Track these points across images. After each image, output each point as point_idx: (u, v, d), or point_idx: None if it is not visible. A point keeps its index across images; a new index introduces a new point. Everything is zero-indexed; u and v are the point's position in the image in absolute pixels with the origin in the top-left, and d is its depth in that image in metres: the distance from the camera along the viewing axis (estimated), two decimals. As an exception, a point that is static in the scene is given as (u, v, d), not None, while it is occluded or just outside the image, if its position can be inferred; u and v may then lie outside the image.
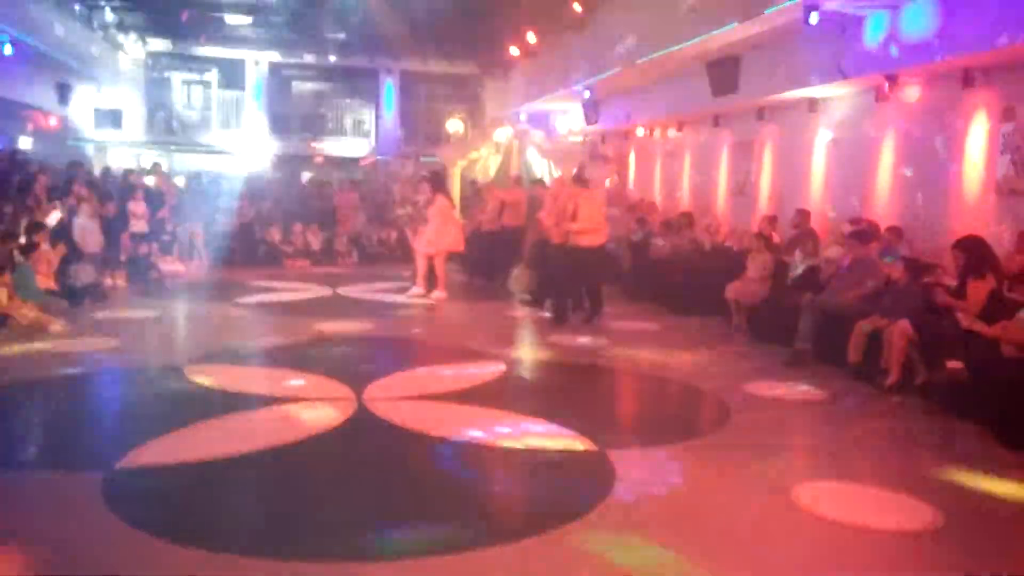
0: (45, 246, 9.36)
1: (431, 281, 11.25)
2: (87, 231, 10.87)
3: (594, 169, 14.43)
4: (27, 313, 7.99)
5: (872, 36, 8.57)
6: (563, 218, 9.46)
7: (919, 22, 7.90)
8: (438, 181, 11.88)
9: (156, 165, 17.29)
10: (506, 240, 12.26)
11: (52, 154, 16.83)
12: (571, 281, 9.63)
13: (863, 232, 8.15)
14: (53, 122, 17.14)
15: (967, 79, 8.03)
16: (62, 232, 10.53)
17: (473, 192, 16.05)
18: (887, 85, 8.80)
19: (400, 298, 11.25)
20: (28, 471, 4.59)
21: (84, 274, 9.84)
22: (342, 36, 17.66)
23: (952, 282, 6.81)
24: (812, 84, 9.72)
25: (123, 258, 12.01)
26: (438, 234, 11.07)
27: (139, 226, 12.68)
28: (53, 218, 10.89)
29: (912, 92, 8.90)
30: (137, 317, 9.45)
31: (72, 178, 12.91)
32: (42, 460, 4.84)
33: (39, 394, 6.22)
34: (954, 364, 5.69)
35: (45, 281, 9.02)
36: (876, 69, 8.66)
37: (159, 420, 5.36)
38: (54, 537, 3.66)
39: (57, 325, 8.14)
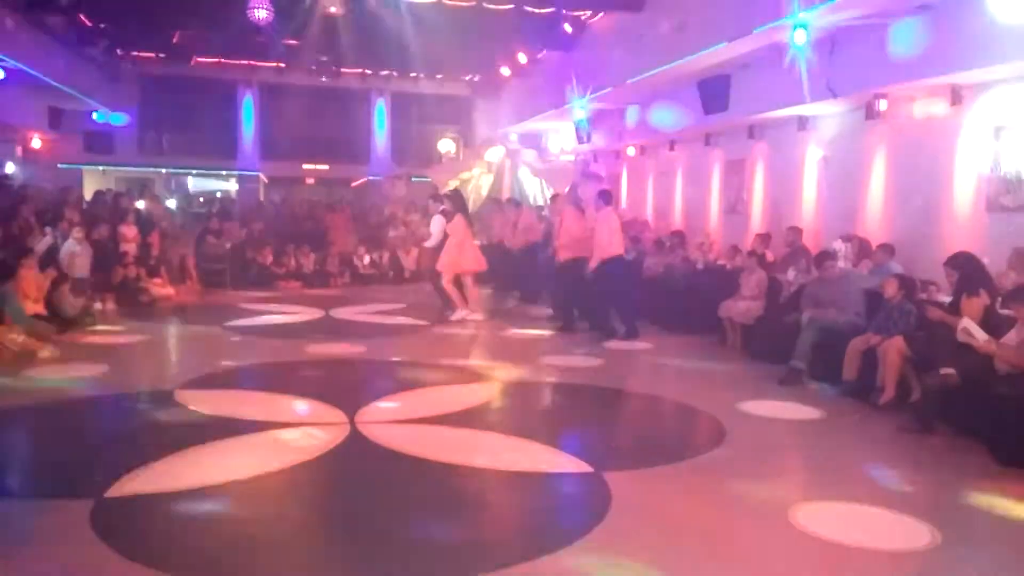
0: (34, 271, 9.28)
1: (456, 301, 11.04)
2: (76, 255, 10.81)
3: (586, 188, 14.45)
4: (15, 338, 7.91)
5: (861, 55, 8.63)
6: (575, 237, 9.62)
7: (907, 41, 7.97)
8: (458, 200, 11.56)
9: (147, 188, 17.25)
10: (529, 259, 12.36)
11: (43, 178, 16.79)
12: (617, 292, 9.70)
13: (826, 253, 8.22)
14: (42, 145, 17.09)
15: (956, 97, 8.10)
16: (52, 256, 10.47)
17: (494, 209, 15.68)
18: (876, 103, 8.87)
19: (392, 320, 11.20)
20: (16, 499, 4.51)
21: (69, 305, 9.72)
22: (334, 57, 17.72)
23: (945, 299, 6.82)
24: (802, 102, 9.79)
25: (113, 282, 11.93)
26: (459, 253, 10.88)
27: (130, 249, 12.63)
28: (45, 243, 10.83)
29: (901, 110, 8.95)
30: (127, 341, 9.37)
31: (63, 202, 12.87)
32: (30, 488, 4.77)
33: (27, 420, 6.15)
34: (947, 370, 5.68)
35: (34, 307, 8.94)
36: (865, 87, 8.72)
37: (149, 447, 5.28)
38: (43, 566, 3.60)
39: (46, 351, 8.06)
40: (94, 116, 17.35)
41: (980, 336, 5.68)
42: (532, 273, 12.65)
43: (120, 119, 17.88)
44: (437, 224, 11.17)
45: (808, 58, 8.93)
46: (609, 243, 9.58)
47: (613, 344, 9.44)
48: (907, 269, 8.08)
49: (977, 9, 7.05)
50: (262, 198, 21.39)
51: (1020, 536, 4.28)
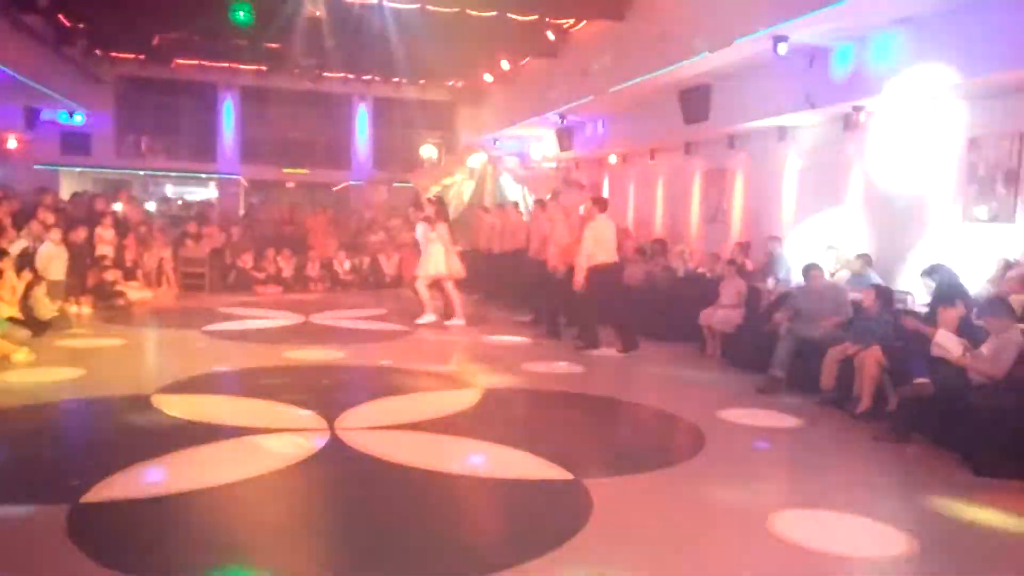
0: (9, 274, 9.15)
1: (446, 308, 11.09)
2: (51, 258, 10.66)
3: (568, 195, 14.48)
4: (-11, 342, 7.79)
5: (839, 67, 8.73)
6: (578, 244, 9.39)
7: (884, 54, 8.08)
8: (442, 207, 11.69)
9: (124, 191, 17.07)
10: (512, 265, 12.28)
11: (18, 179, 16.58)
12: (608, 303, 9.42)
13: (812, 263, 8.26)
14: (18, 146, 16.87)
15: (932, 108, 8.21)
16: (28, 259, 10.32)
17: (478, 215, 15.62)
18: (854, 114, 8.97)
19: (372, 325, 11.15)
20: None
21: (45, 308, 9.57)
22: (316, 61, 17.67)
23: (922, 309, 6.90)
24: (781, 113, 9.89)
25: (89, 285, 11.78)
26: (444, 261, 10.95)
27: (106, 252, 12.49)
28: (18, 246, 10.67)
29: (879, 121, 9.07)
30: (103, 345, 9.26)
31: (39, 204, 12.69)
32: (4, 493, 4.68)
33: (1, 425, 6.05)
34: (921, 380, 5.75)
35: (9, 309, 8.81)
36: (843, 99, 8.82)
37: (125, 452, 5.22)
38: (16, 572, 3.54)
39: (21, 354, 7.94)
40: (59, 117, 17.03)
41: (955, 350, 5.77)
42: (516, 280, 12.60)
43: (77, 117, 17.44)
44: (421, 231, 11.24)
45: (788, 69, 9.02)
46: (596, 251, 9.33)
47: (593, 351, 9.45)
48: (884, 279, 8.18)
49: (953, 23, 7.17)
50: (242, 202, 21.26)
51: (993, 544, 4.33)
